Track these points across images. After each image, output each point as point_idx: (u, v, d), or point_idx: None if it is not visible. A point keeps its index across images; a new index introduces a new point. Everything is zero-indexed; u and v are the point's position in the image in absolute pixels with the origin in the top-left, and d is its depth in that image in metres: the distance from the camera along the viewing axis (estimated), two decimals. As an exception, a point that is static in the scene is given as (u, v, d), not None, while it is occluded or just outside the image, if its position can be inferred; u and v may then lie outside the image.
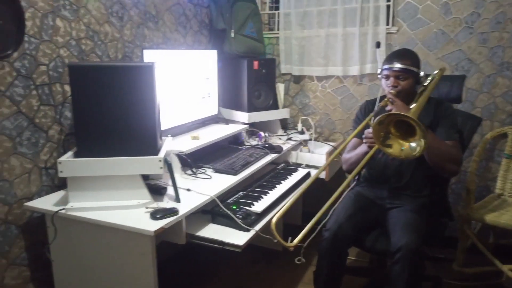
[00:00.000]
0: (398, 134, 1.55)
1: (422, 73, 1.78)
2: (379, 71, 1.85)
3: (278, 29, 2.88)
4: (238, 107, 2.62)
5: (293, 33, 2.79)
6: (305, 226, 1.55)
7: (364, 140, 1.75)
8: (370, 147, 1.71)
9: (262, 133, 2.51)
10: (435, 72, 1.87)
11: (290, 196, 1.92)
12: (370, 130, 1.68)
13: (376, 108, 1.84)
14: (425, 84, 1.79)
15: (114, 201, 1.49)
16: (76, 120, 1.48)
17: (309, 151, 2.53)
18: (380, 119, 1.51)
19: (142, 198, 1.51)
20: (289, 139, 2.61)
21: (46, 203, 1.53)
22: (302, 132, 2.69)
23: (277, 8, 2.91)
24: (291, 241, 1.50)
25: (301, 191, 1.68)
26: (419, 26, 2.51)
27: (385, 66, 1.79)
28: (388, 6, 2.54)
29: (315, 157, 2.44)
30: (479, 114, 2.41)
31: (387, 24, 2.55)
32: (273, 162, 2.25)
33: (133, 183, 1.50)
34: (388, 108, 1.73)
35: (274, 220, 1.49)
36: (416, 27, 2.52)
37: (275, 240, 1.47)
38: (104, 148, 1.48)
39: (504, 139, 2.34)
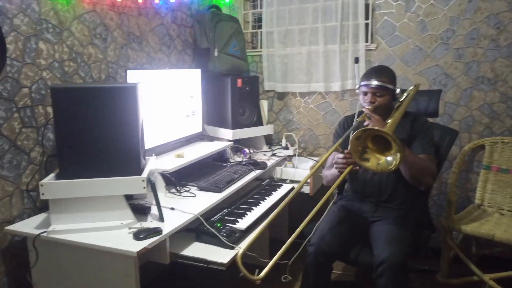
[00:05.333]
0: (375, 149, 1.59)
1: (398, 90, 1.84)
2: (357, 86, 1.91)
3: (261, 47, 2.94)
4: (223, 124, 2.65)
5: (275, 51, 2.85)
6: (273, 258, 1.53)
7: (334, 166, 1.78)
8: (341, 172, 1.74)
9: (246, 150, 2.54)
10: (410, 88, 1.94)
11: (274, 212, 1.93)
12: (340, 155, 1.71)
13: (354, 123, 1.89)
14: (401, 99, 1.85)
15: (97, 223, 1.48)
16: (58, 142, 1.48)
17: (293, 167, 2.56)
18: (357, 134, 1.55)
19: (125, 218, 1.51)
20: (273, 155, 2.64)
21: (28, 226, 1.52)
22: (286, 148, 2.73)
23: (259, 27, 2.97)
24: (259, 273, 1.45)
25: (277, 210, 1.63)
26: (397, 42, 2.59)
27: (363, 83, 1.85)
28: (366, 24, 2.62)
29: (300, 172, 2.47)
30: (457, 127, 2.48)
31: (366, 41, 2.63)
32: (257, 178, 2.27)
33: (116, 203, 1.51)
34: (365, 123, 1.78)
35: (240, 252, 1.45)
36: (394, 44, 2.60)
37: (241, 274, 1.42)
38: (86, 169, 1.48)
39: (482, 151, 2.41)
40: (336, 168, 1.77)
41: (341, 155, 1.73)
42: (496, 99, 2.43)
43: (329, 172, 1.91)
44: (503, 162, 2.33)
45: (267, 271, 1.45)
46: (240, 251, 1.46)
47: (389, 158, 1.54)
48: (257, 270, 1.46)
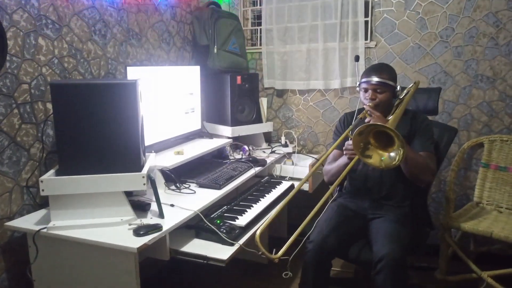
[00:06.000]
0: (377, 145, 1.60)
1: (398, 87, 1.85)
2: (357, 84, 1.91)
3: (260, 45, 2.93)
4: (222, 122, 2.65)
5: (275, 48, 2.85)
6: (290, 238, 1.56)
7: (344, 152, 1.79)
8: (350, 159, 1.75)
9: (246, 147, 2.54)
10: (410, 85, 1.94)
11: (275, 209, 1.94)
12: (350, 142, 1.72)
13: (355, 120, 1.89)
14: (401, 97, 1.85)
15: (97, 219, 1.48)
16: (58, 138, 1.48)
17: (292, 164, 2.56)
18: (360, 130, 1.56)
19: (125, 215, 1.51)
20: (272, 152, 2.64)
21: (28, 222, 1.52)
22: (285, 145, 2.73)
23: (259, 24, 2.97)
24: (276, 253, 1.51)
25: (284, 203, 1.71)
26: (397, 40, 2.59)
27: (363, 80, 1.85)
28: (366, 22, 2.62)
29: (299, 170, 2.47)
30: (456, 125, 2.49)
31: (366, 39, 2.63)
32: (257, 176, 2.27)
33: (116, 200, 1.50)
34: (366, 120, 1.78)
35: (258, 232, 1.51)
36: (394, 42, 2.60)
37: (260, 253, 1.48)
38: (86, 165, 1.48)
39: (481, 149, 2.42)
40: (346, 154, 1.78)
41: (351, 142, 1.73)
42: (495, 97, 2.43)
43: (334, 165, 1.91)
44: (502, 160, 2.34)
45: (284, 250, 1.52)
46: (258, 232, 1.51)
47: (392, 154, 1.55)
48: (274, 250, 1.53)
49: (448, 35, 2.47)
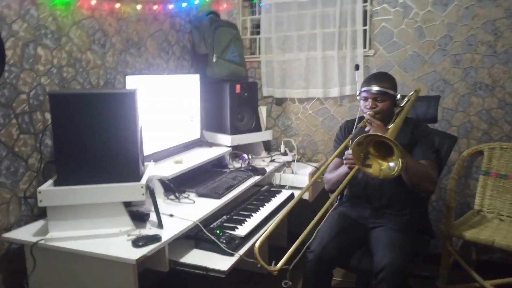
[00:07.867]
0: (377, 154, 1.59)
1: (398, 96, 1.84)
2: (358, 92, 1.91)
3: (259, 53, 2.94)
4: (221, 130, 2.64)
5: (274, 57, 2.85)
6: (290, 247, 1.55)
7: (344, 161, 1.78)
8: (351, 168, 1.74)
9: (245, 156, 2.53)
10: (411, 93, 1.94)
11: (274, 218, 1.93)
12: (350, 151, 1.72)
13: (355, 129, 1.89)
14: (402, 105, 1.85)
15: (95, 230, 1.47)
16: (56, 148, 1.47)
17: (292, 173, 2.55)
18: (359, 140, 1.55)
19: (124, 225, 1.50)
20: (272, 161, 2.63)
21: (25, 233, 1.50)
22: (285, 154, 2.72)
23: (258, 33, 2.98)
24: (275, 265, 1.49)
25: (284, 213, 1.69)
26: (395, 49, 2.60)
27: (364, 88, 1.85)
28: (364, 30, 2.63)
29: (299, 178, 2.46)
30: (455, 133, 2.48)
31: (364, 47, 2.64)
32: (257, 185, 2.26)
33: (115, 210, 1.49)
34: (367, 128, 1.78)
35: (257, 244, 1.49)
36: (392, 50, 2.61)
37: (259, 265, 1.46)
38: (85, 175, 1.47)
39: (481, 156, 2.41)
40: (346, 164, 1.77)
41: (351, 151, 1.72)
42: (494, 105, 2.43)
43: (335, 174, 1.90)
44: (502, 167, 2.34)
45: (282, 263, 1.50)
46: (257, 244, 1.48)
47: (391, 164, 1.54)
48: (273, 262, 1.51)
49: (446, 43, 2.48)
